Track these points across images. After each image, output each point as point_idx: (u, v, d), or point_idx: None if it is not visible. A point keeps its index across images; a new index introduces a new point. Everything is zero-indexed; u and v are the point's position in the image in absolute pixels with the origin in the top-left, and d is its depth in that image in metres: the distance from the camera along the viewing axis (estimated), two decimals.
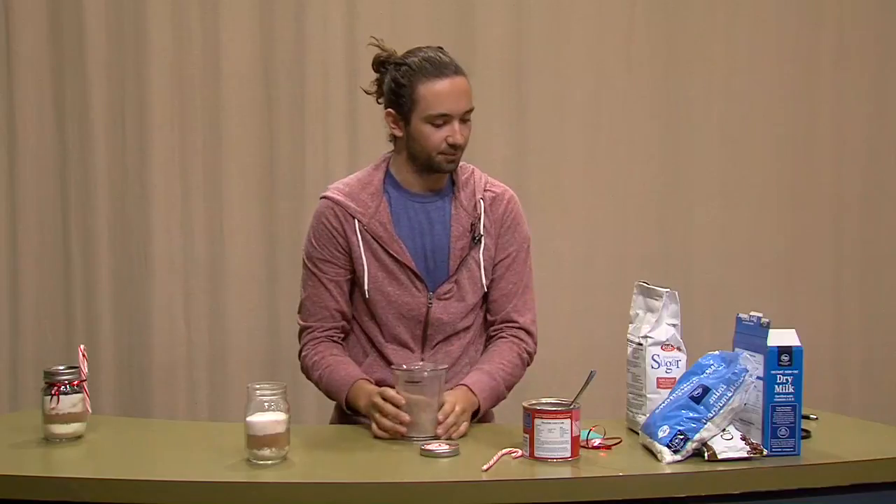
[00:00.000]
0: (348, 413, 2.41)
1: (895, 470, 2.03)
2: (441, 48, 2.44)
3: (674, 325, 2.22)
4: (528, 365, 2.52)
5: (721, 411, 2.01)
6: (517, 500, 1.92)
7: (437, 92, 2.35)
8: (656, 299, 2.23)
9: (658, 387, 2.19)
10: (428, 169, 2.42)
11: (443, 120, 2.36)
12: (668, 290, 2.22)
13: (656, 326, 2.21)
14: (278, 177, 3.71)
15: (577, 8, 3.78)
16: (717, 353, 2.14)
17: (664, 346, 2.20)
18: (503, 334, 2.49)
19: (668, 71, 3.82)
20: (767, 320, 2.07)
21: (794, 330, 2.09)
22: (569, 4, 3.78)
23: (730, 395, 2.02)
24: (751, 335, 2.10)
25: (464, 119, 2.39)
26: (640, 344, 2.22)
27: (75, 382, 2.19)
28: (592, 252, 3.78)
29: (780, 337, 2.05)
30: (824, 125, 3.88)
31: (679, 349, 2.22)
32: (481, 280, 2.46)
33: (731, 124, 3.85)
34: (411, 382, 2.20)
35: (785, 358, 2.04)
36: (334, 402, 2.51)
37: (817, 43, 3.87)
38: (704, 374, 2.08)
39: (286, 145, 3.71)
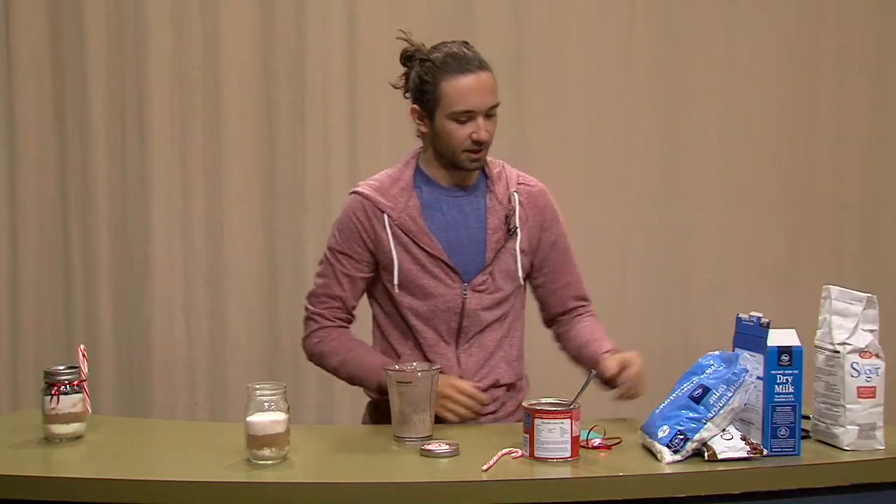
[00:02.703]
0: (380, 408, 2.43)
1: (895, 470, 2.03)
2: (466, 43, 2.40)
3: (871, 332, 2.10)
4: None
5: (721, 411, 2.01)
6: (517, 500, 1.91)
7: (460, 88, 2.33)
8: (852, 303, 2.12)
9: (859, 396, 2.06)
10: (453, 166, 2.41)
11: (467, 116, 2.34)
12: (867, 294, 2.11)
13: (853, 333, 2.10)
14: (278, 177, 3.71)
15: (577, 7, 3.78)
16: (717, 353, 2.13)
17: (863, 353, 2.09)
18: (580, 311, 2.55)
19: (668, 70, 3.82)
20: (767, 320, 2.07)
21: (794, 330, 2.09)
22: (568, 4, 3.78)
23: (730, 395, 2.02)
24: (751, 335, 2.10)
25: (489, 114, 2.36)
26: (837, 351, 2.10)
27: (75, 382, 2.19)
28: (592, 252, 3.76)
29: (780, 337, 2.05)
30: (824, 125, 3.89)
31: (878, 356, 2.09)
32: (517, 272, 2.46)
33: (731, 124, 3.85)
34: (403, 383, 2.18)
35: (785, 358, 2.04)
36: (368, 404, 2.54)
37: (817, 43, 3.87)
38: (704, 374, 2.08)
39: (286, 145, 3.71)
